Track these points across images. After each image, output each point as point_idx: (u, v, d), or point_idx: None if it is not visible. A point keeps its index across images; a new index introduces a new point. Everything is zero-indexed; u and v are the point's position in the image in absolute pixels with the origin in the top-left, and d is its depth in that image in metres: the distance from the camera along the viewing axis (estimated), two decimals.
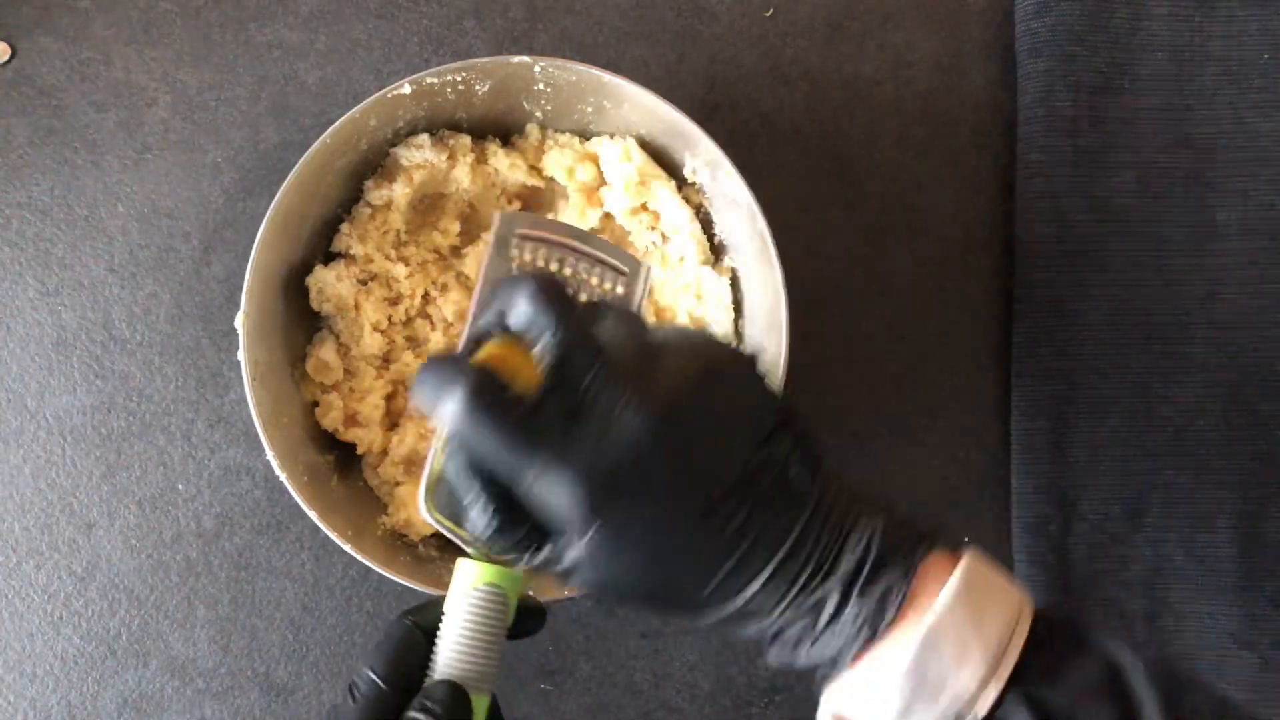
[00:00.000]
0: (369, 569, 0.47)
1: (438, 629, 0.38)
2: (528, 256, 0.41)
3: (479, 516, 0.35)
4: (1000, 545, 0.56)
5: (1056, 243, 0.56)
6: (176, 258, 0.56)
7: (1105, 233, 0.56)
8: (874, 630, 0.33)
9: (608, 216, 0.53)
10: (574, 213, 0.53)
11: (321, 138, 0.47)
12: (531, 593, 0.41)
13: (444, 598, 0.39)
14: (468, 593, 0.38)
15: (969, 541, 0.56)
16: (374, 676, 0.37)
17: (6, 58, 0.56)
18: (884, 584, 0.34)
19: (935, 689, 0.33)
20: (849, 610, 0.34)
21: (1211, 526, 0.55)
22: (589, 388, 0.33)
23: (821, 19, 0.57)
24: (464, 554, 0.39)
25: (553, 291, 0.34)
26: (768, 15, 0.57)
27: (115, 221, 0.56)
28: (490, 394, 0.33)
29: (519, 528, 0.34)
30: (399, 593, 0.55)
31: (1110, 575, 0.55)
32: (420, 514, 0.39)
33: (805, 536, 0.34)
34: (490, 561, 0.39)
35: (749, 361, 0.36)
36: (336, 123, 0.47)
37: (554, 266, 0.42)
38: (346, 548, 0.47)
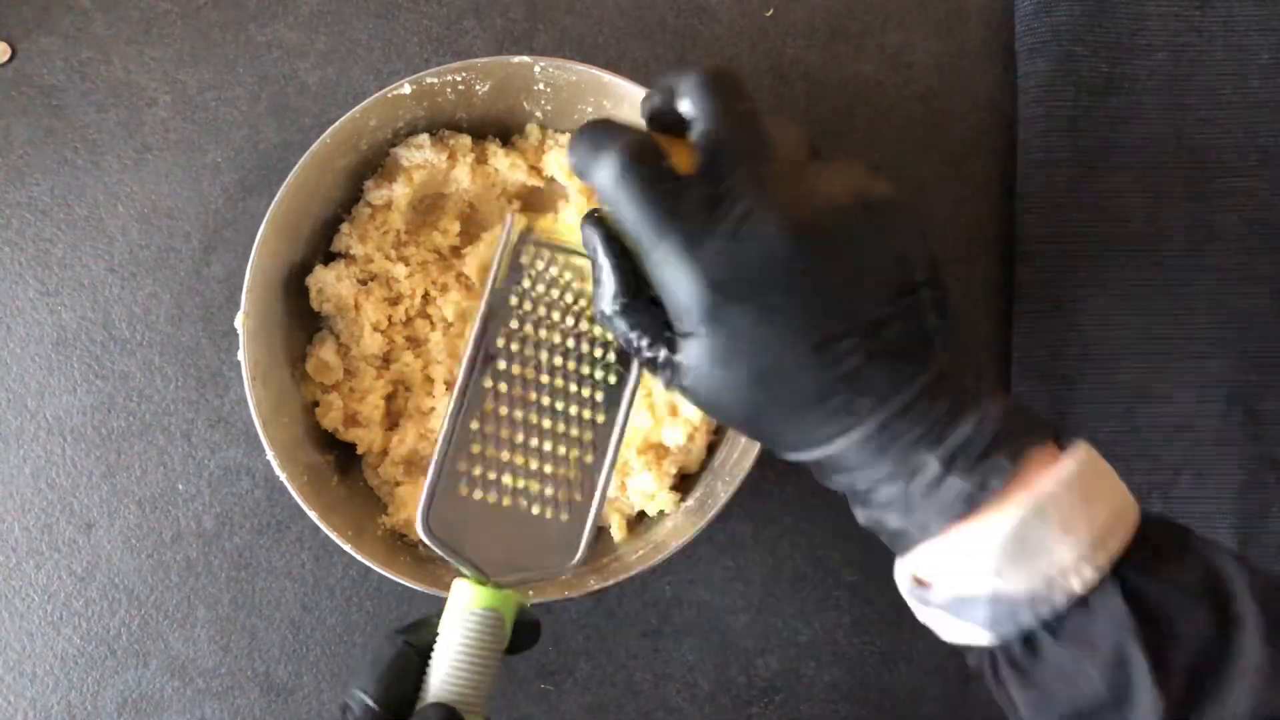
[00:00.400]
0: (369, 569, 0.47)
1: (431, 649, 0.37)
2: (540, 263, 0.41)
3: (609, 283, 0.35)
4: None
5: (1056, 243, 0.56)
6: (176, 258, 0.56)
7: (1105, 233, 0.56)
8: (971, 505, 0.33)
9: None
10: (574, 212, 0.53)
11: (321, 138, 0.47)
12: (530, 605, 0.40)
13: (436, 615, 0.38)
14: (465, 616, 0.37)
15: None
16: (367, 699, 0.36)
17: (6, 58, 0.56)
18: (990, 463, 0.33)
19: (1033, 554, 0.32)
20: (950, 482, 0.33)
21: (1212, 527, 0.55)
22: (735, 184, 0.32)
23: (821, 19, 0.57)
24: (461, 575, 0.39)
25: (723, 82, 0.34)
26: (768, 15, 0.57)
27: (115, 221, 0.56)
28: (647, 159, 0.33)
29: (642, 312, 0.34)
30: (399, 593, 0.55)
31: None
32: (418, 533, 0.38)
33: (920, 399, 0.33)
34: (487, 584, 0.38)
35: (910, 207, 0.35)
36: (336, 123, 0.47)
37: (564, 274, 0.41)
38: (346, 548, 0.47)
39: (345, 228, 0.52)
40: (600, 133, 0.34)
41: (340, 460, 0.52)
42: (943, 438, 0.33)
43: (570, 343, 0.40)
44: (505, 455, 0.39)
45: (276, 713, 0.55)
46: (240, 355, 0.47)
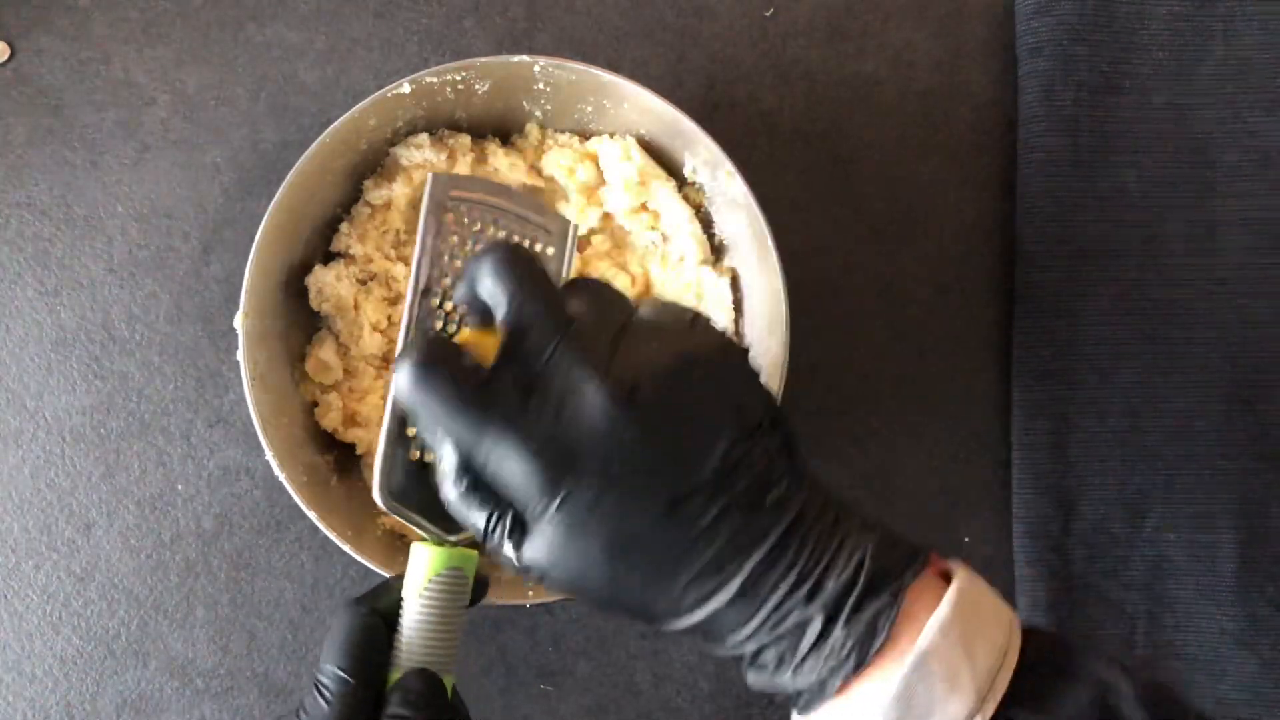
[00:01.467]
0: (369, 569, 0.47)
1: (394, 615, 0.37)
2: (465, 220, 0.41)
3: (448, 476, 0.33)
4: (1000, 545, 0.56)
5: (1056, 243, 0.56)
6: (176, 258, 0.56)
7: (1105, 232, 0.56)
8: (862, 658, 0.32)
9: (607, 216, 0.53)
10: (574, 212, 0.53)
11: (321, 137, 0.47)
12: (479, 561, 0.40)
13: (394, 580, 0.39)
14: (429, 581, 0.37)
15: (967, 541, 0.56)
16: (342, 673, 0.35)
17: (6, 57, 0.56)
18: (872, 609, 0.32)
19: (922, 716, 0.31)
20: (835, 636, 0.32)
21: (1211, 526, 0.55)
22: (548, 360, 0.31)
23: (821, 19, 0.57)
24: (420, 540, 0.39)
25: (515, 262, 0.33)
26: (768, 15, 0.57)
27: (114, 221, 0.56)
28: (441, 360, 0.32)
29: (487, 498, 0.33)
30: None
31: (1110, 575, 0.55)
32: (375, 500, 0.38)
33: (784, 548, 0.32)
34: (448, 545, 0.38)
35: (740, 353, 0.35)
36: (336, 122, 0.47)
37: (487, 229, 0.41)
38: (346, 548, 0.47)
39: (345, 227, 0.52)
40: (400, 350, 0.33)
41: (340, 460, 0.52)
42: (819, 587, 0.32)
43: None
44: None
45: (276, 713, 0.55)
46: (240, 355, 0.47)
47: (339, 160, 0.49)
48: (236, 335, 0.47)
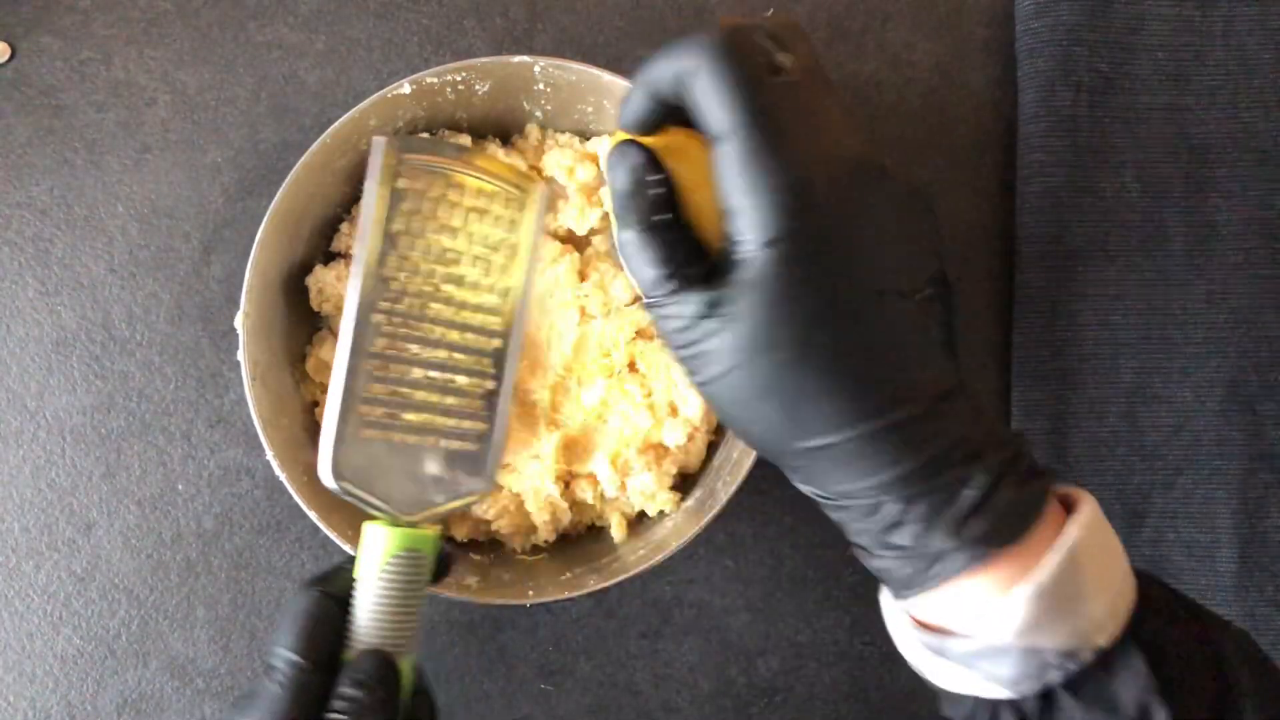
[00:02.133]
0: None
1: (349, 597, 0.36)
2: (420, 185, 0.39)
3: (641, 198, 0.31)
4: None
5: (1056, 243, 0.56)
6: (176, 258, 0.56)
7: (1105, 233, 0.56)
8: (1023, 526, 0.31)
9: (607, 216, 0.53)
10: (574, 212, 0.53)
11: (321, 137, 0.47)
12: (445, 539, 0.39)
13: (346, 564, 0.37)
14: (387, 562, 0.36)
15: None
16: (293, 655, 0.35)
17: (6, 57, 0.56)
18: (1032, 490, 0.31)
19: (1068, 608, 0.31)
20: (1003, 497, 0.30)
21: (1212, 527, 0.55)
22: (826, 98, 0.30)
23: (821, 19, 0.57)
24: (372, 519, 0.37)
25: (797, 23, 0.32)
26: (767, 15, 0.57)
27: (115, 221, 0.56)
28: (757, 45, 0.30)
29: (676, 233, 0.31)
30: None
31: None
32: (324, 482, 0.36)
33: (951, 403, 0.31)
34: (404, 524, 0.37)
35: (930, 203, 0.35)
36: (336, 122, 0.47)
37: (447, 194, 0.39)
38: (346, 548, 0.47)
39: (345, 227, 0.52)
40: (702, 33, 0.31)
41: None
42: (980, 453, 0.31)
43: (459, 268, 0.39)
44: (404, 391, 0.38)
45: None
46: (240, 355, 0.47)
47: (339, 160, 0.49)
48: (237, 335, 0.47)
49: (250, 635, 0.55)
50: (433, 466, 0.38)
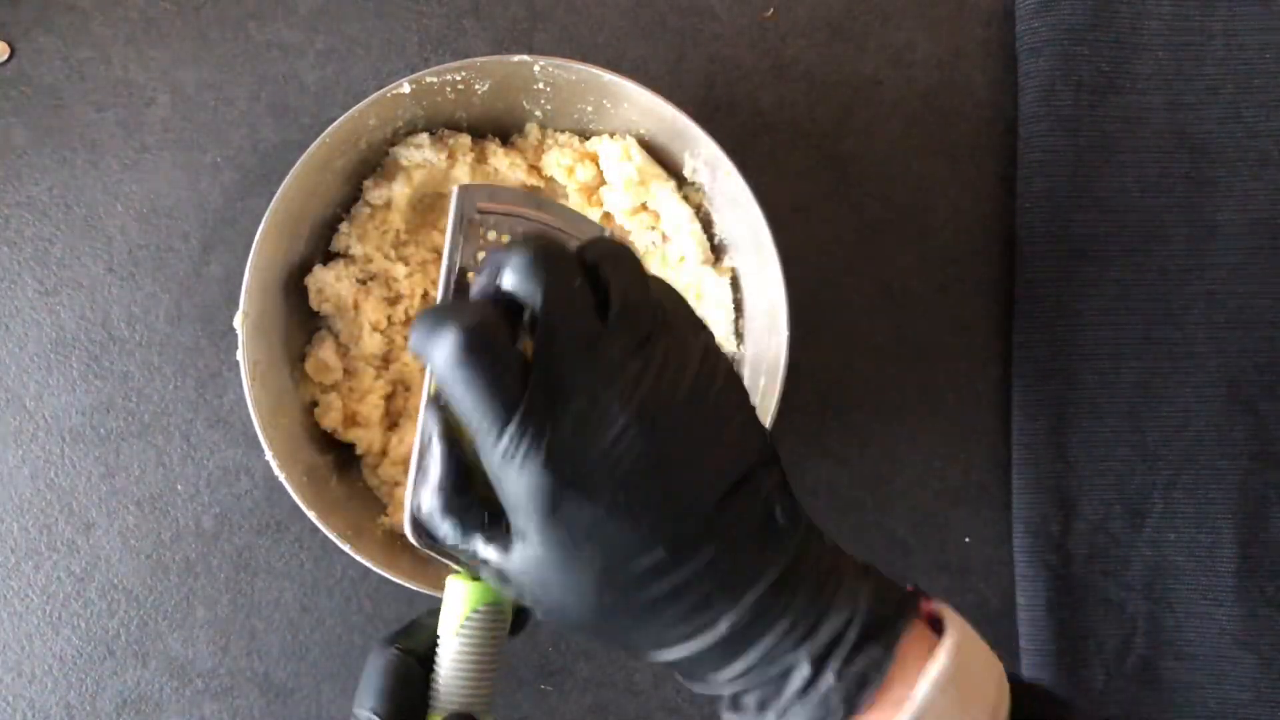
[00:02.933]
0: (368, 569, 0.47)
1: (428, 654, 0.36)
2: (491, 235, 0.39)
3: (436, 472, 0.32)
4: (1000, 545, 0.56)
5: (1056, 243, 0.55)
6: (176, 257, 0.56)
7: (1105, 233, 0.56)
8: (851, 709, 0.30)
9: (608, 216, 0.53)
10: None
11: (321, 137, 0.47)
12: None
13: (426, 616, 0.37)
14: (467, 618, 0.36)
15: (968, 541, 0.56)
16: (377, 718, 0.34)
17: (6, 57, 0.56)
18: (865, 659, 0.31)
19: None
20: (825, 684, 0.31)
21: (1211, 526, 0.55)
22: (577, 371, 0.30)
23: (821, 19, 0.57)
24: (454, 573, 0.37)
25: (549, 258, 0.31)
26: (768, 15, 0.57)
27: (114, 221, 0.56)
28: (490, 340, 0.30)
29: (467, 510, 0.32)
30: (399, 593, 0.55)
31: (1110, 575, 0.55)
32: (406, 534, 0.36)
33: (780, 591, 0.31)
34: (482, 579, 0.36)
35: (740, 386, 0.33)
36: (336, 122, 0.47)
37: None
38: (346, 548, 0.47)
39: (344, 227, 0.52)
40: (442, 313, 0.31)
41: (339, 460, 0.52)
42: (812, 632, 0.31)
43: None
44: None
45: (276, 713, 0.55)
46: (239, 355, 0.47)
47: (339, 160, 0.49)
48: (236, 335, 0.47)
49: (250, 635, 0.55)
50: None
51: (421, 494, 0.33)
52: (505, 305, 0.32)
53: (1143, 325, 0.56)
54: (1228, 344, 0.55)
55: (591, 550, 0.30)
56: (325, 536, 0.47)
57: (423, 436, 0.34)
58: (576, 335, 0.31)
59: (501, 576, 0.32)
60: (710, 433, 0.31)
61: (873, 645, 0.31)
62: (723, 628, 0.31)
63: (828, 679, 0.31)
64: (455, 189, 0.39)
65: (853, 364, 0.57)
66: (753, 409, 0.33)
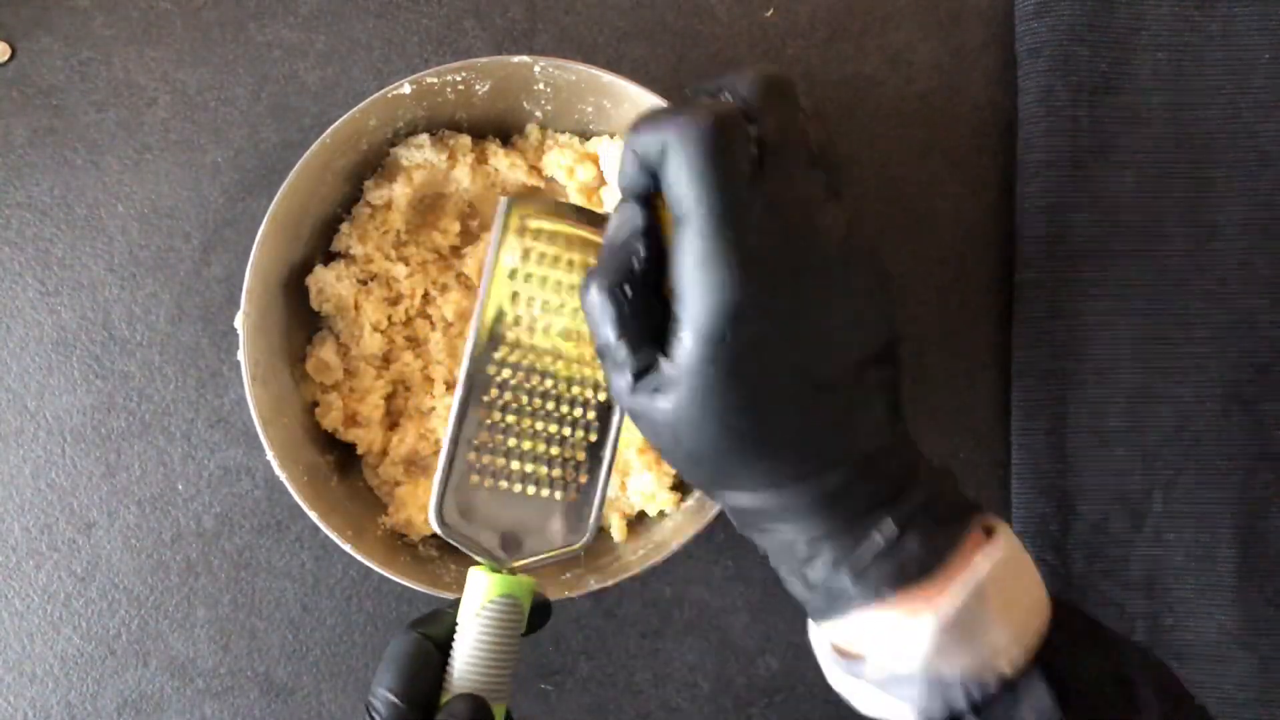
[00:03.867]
0: (369, 569, 0.47)
1: (448, 641, 0.37)
2: (540, 244, 0.40)
3: (626, 255, 0.33)
4: None
5: (1056, 243, 0.56)
6: (176, 258, 0.56)
7: (1105, 233, 0.56)
8: (923, 573, 0.33)
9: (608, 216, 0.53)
10: None
11: (321, 138, 0.47)
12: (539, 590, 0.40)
13: (449, 607, 0.38)
14: (484, 606, 0.37)
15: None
16: (392, 697, 0.35)
17: (6, 57, 0.56)
18: (944, 531, 0.33)
19: (972, 636, 0.32)
20: (906, 546, 0.33)
21: (1211, 526, 0.55)
22: (796, 188, 0.31)
23: (821, 19, 0.57)
24: (475, 564, 0.39)
25: (786, 86, 0.33)
26: (768, 15, 0.57)
27: (115, 221, 0.56)
28: (741, 126, 0.31)
29: (647, 301, 0.33)
30: (399, 593, 0.55)
31: (1110, 575, 0.55)
32: (432, 526, 0.38)
33: (879, 462, 0.33)
34: (505, 571, 0.38)
35: (887, 270, 0.35)
36: (336, 122, 0.47)
37: (565, 254, 0.41)
38: (346, 548, 0.47)
39: (345, 227, 0.52)
40: (685, 104, 0.32)
41: (340, 460, 0.52)
42: (898, 498, 0.33)
43: (572, 321, 0.40)
44: (512, 441, 0.40)
45: (276, 713, 0.55)
46: (240, 355, 0.47)
47: (339, 160, 0.49)
48: (237, 335, 0.47)
49: (250, 635, 0.55)
50: (535, 516, 0.40)
51: (608, 273, 0.33)
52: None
53: (1142, 325, 0.56)
54: (1227, 344, 0.55)
55: (752, 362, 0.31)
56: (326, 536, 0.47)
57: (616, 234, 0.34)
58: (801, 157, 0.32)
59: (647, 391, 0.33)
60: (863, 300, 0.33)
61: (947, 525, 0.33)
62: (834, 478, 0.33)
63: (909, 543, 0.33)
64: (504, 200, 0.40)
65: None
66: (893, 301, 0.36)
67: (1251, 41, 0.56)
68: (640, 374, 0.33)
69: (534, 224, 0.40)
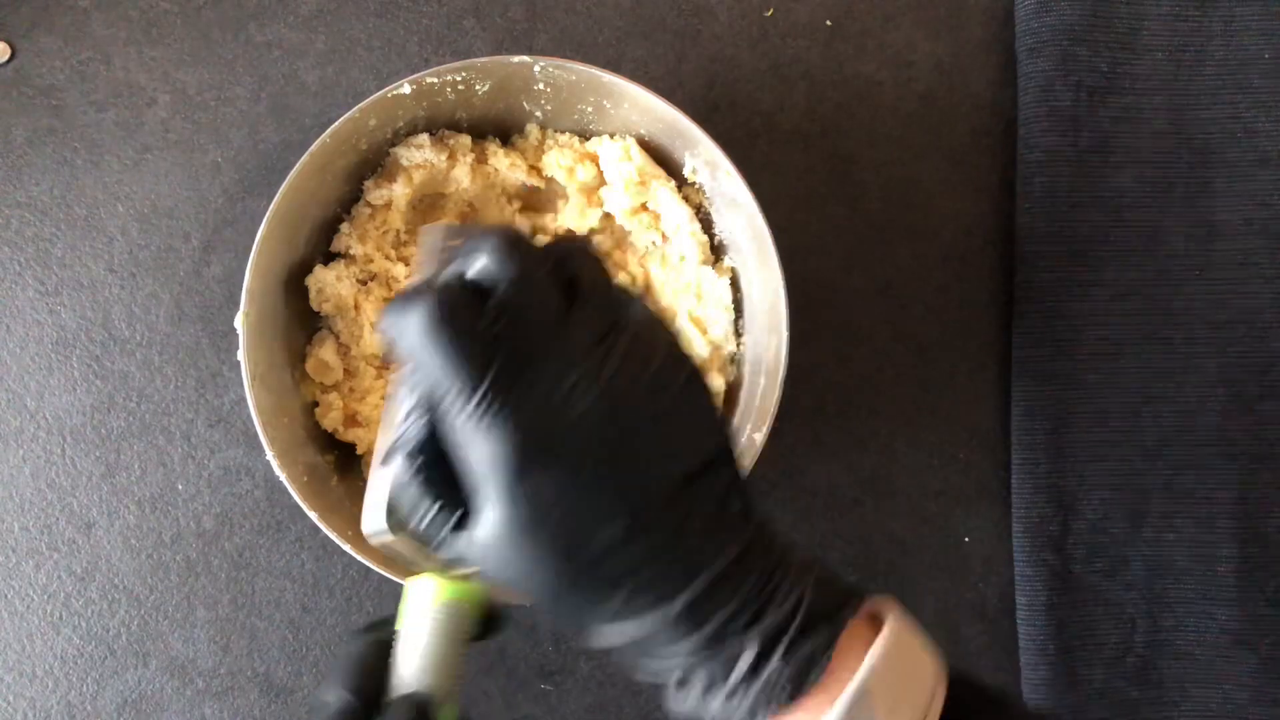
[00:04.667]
0: (369, 569, 0.47)
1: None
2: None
3: (409, 443, 0.32)
4: (1000, 545, 0.56)
5: (1056, 242, 0.56)
6: (176, 258, 0.56)
7: (1105, 233, 0.56)
8: (797, 690, 0.32)
9: (608, 216, 0.53)
10: (574, 213, 0.53)
11: (321, 137, 0.47)
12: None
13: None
14: (427, 611, 0.37)
15: (967, 541, 0.56)
16: (343, 692, 0.35)
17: (6, 58, 0.56)
18: (810, 645, 0.32)
19: None
20: (771, 667, 0.32)
21: (1211, 526, 0.55)
22: (544, 342, 0.31)
23: (821, 19, 0.57)
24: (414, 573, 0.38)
25: (518, 242, 0.32)
26: (768, 15, 0.57)
27: (115, 221, 0.56)
28: (463, 309, 0.31)
29: (433, 479, 0.32)
30: (399, 593, 0.55)
31: (1110, 575, 0.55)
32: (368, 531, 0.36)
33: (731, 575, 0.32)
34: (447, 577, 0.37)
35: (704, 381, 0.34)
36: (336, 122, 0.47)
37: None
38: (346, 548, 0.47)
39: (345, 227, 0.52)
40: (412, 291, 0.32)
41: (340, 460, 0.52)
42: (759, 616, 0.32)
43: None
44: None
45: (276, 713, 0.55)
46: (240, 355, 0.47)
47: (339, 160, 0.49)
48: (237, 335, 0.47)
49: (250, 635, 0.55)
50: None
51: (396, 460, 0.33)
52: (472, 289, 0.32)
53: (1142, 325, 0.56)
54: (1227, 344, 0.55)
55: (555, 519, 0.31)
56: (326, 536, 0.47)
57: (393, 417, 0.34)
58: (545, 312, 0.31)
59: (464, 553, 0.32)
60: (673, 421, 0.32)
61: (817, 632, 0.32)
62: (678, 605, 0.31)
63: (774, 661, 0.32)
64: (423, 229, 0.39)
65: (853, 364, 0.57)
66: (715, 408, 0.34)
67: (1251, 41, 0.56)
68: (459, 541, 0.32)
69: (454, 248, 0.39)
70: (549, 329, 0.31)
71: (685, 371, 0.33)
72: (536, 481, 0.30)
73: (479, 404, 0.30)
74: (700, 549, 0.32)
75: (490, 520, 0.31)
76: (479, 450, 0.30)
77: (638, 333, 0.32)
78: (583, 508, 0.31)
